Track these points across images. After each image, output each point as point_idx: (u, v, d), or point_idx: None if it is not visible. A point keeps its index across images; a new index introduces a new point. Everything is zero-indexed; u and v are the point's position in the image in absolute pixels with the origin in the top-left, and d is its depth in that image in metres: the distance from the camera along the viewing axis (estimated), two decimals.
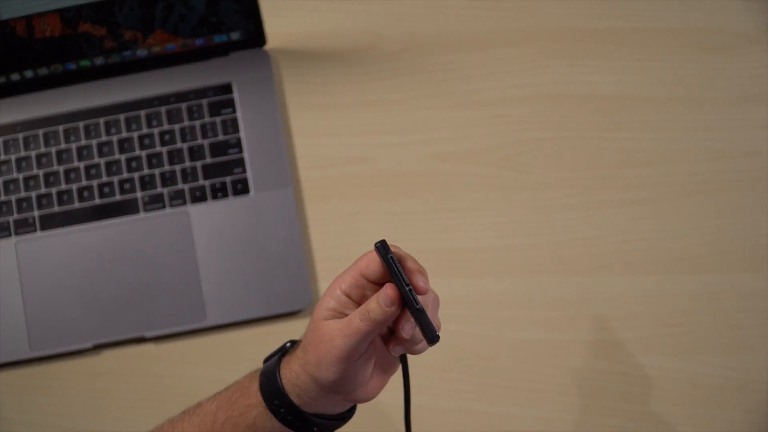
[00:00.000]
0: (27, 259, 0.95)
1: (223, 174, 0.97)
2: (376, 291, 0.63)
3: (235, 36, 0.99)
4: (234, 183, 0.97)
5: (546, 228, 0.97)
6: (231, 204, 0.97)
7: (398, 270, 0.62)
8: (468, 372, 0.93)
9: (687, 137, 1.00)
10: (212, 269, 0.95)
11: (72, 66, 0.98)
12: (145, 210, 0.97)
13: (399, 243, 0.97)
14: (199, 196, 0.97)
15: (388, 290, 0.61)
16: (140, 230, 0.96)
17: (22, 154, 0.98)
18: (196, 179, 0.97)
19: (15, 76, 0.98)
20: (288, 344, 0.68)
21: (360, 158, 1.00)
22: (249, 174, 0.97)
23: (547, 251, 0.97)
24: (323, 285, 0.96)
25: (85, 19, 0.94)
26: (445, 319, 0.95)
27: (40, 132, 0.98)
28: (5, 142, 0.98)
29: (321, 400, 0.65)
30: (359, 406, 0.70)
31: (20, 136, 0.98)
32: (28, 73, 0.98)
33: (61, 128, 0.98)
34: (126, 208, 0.97)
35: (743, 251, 0.96)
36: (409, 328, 0.63)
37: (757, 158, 0.99)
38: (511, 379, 0.93)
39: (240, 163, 0.97)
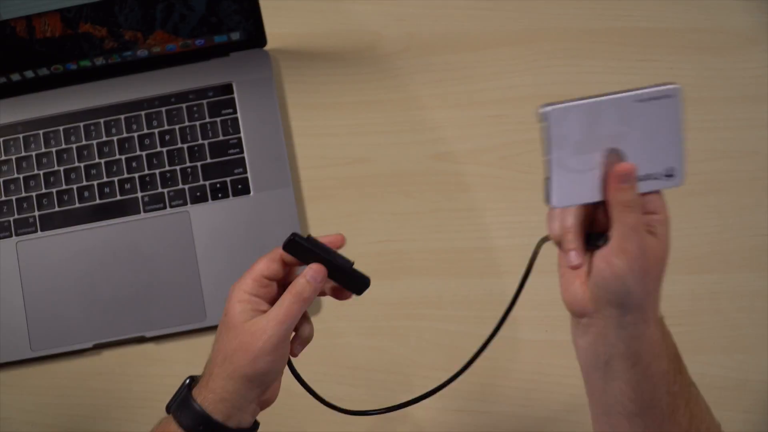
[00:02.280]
0: (27, 259, 0.95)
1: (224, 174, 0.97)
2: (281, 287, 0.69)
3: (235, 36, 0.99)
4: (234, 183, 0.97)
5: (546, 228, 0.97)
6: (231, 204, 0.97)
7: (320, 245, 0.69)
8: (468, 372, 0.93)
9: (687, 137, 1.00)
10: (212, 269, 0.95)
11: (72, 66, 0.98)
12: (146, 210, 0.97)
13: (399, 243, 0.98)
14: (199, 197, 0.97)
15: (316, 267, 0.68)
16: (140, 230, 0.96)
17: (23, 154, 0.98)
18: (196, 179, 0.97)
19: (15, 76, 0.98)
20: (187, 380, 0.70)
21: (360, 158, 1.00)
22: (249, 174, 0.97)
23: (548, 251, 0.97)
24: None
25: (86, 20, 0.94)
26: (445, 319, 0.96)
27: (41, 132, 0.98)
28: (5, 142, 0.98)
29: (245, 408, 0.68)
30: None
31: (20, 136, 0.98)
32: (29, 73, 0.98)
33: (61, 128, 0.98)
34: (126, 209, 0.97)
35: (743, 251, 0.96)
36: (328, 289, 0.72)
37: (757, 158, 0.99)
38: (511, 379, 0.93)
39: (240, 163, 0.97)
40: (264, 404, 0.70)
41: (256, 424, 0.70)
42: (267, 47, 1.01)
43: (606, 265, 0.63)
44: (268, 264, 0.69)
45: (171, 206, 0.97)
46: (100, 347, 0.94)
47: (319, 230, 0.97)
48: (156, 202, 0.97)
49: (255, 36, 1.00)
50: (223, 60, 1.01)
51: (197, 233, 0.96)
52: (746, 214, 0.98)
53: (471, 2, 1.05)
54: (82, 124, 0.99)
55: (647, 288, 0.64)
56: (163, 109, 0.99)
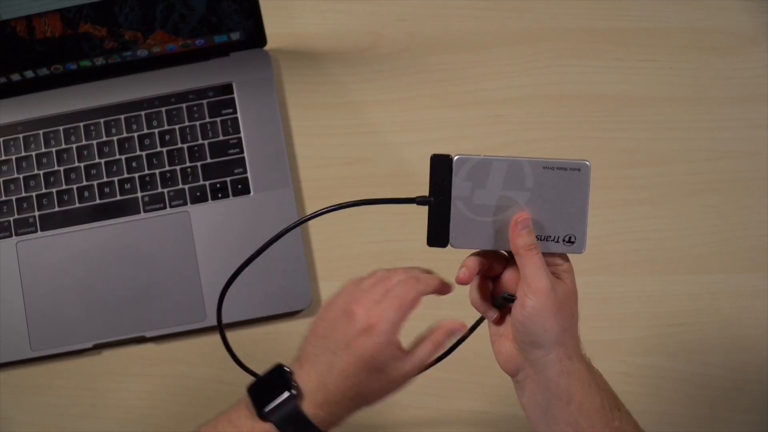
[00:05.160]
0: (27, 259, 0.95)
1: (224, 174, 0.97)
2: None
3: (235, 36, 0.99)
4: (234, 183, 0.97)
5: None
6: (231, 204, 0.97)
7: (449, 190, 0.68)
8: (468, 372, 0.93)
9: (687, 137, 1.00)
10: (212, 269, 0.95)
11: (72, 66, 0.98)
12: (146, 210, 0.97)
13: (399, 243, 0.97)
14: (199, 197, 0.97)
15: (458, 324, 0.73)
16: (140, 230, 0.96)
17: (23, 154, 0.98)
18: (196, 179, 0.97)
19: (15, 76, 0.98)
20: (288, 393, 0.67)
21: (360, 158, 1.00)
22: (249, 174, 0.97)
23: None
24: (323, 285, 0.96)
25: (86, 20, 0.94)
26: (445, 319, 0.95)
27: (40, 132, 0.98)
28: (5, 142, 0.98)
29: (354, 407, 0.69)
30: None
31: (20, 136, 0.98)
32: (29, 73, 0.98)
33: (61, 128, 0.98)
34: (126, 209, 0.97)
35: (743, 251, 0.96)
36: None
37: (757, 158, 0.99)
38: (511, 379, 0.92)
39: (240, 163, 0.97)
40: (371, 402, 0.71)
41: None
42: (267, 47, 1.01)
43: (521, 308, 0.66)
44: (417, 297, 0.70)
45: (171, 206, 0.97)
46: (100, 347, 0.94)
47: (320, 230, 0.97)
48: (156, 202, 0.97)
49: (255, 36, 1.00)
50: (223, 60, 1.01)
51: (197, 233, 0.96)
52: (746, 214, 0.98)
53: (471, 2, 1.05)
54: (82, 124, 0.99)
55: (562, 324, 0.66)
56: (163, 109, 0.99)
